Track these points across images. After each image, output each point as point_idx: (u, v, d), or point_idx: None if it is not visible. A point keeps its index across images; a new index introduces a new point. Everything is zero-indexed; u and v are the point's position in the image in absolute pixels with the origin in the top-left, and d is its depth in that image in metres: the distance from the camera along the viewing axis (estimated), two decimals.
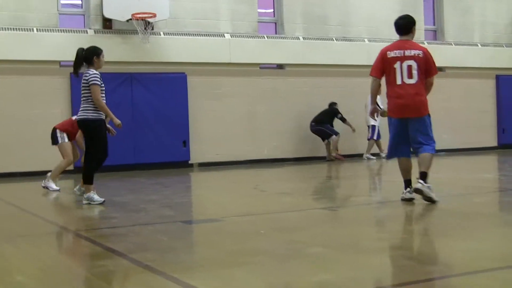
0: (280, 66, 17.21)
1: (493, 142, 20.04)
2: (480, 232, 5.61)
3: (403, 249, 4.89)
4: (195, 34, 16.15)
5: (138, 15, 14.98)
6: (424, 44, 18.74)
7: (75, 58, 8.46)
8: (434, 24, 19.67)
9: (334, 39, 17.60)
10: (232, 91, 16.56)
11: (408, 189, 7.35)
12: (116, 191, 10.71)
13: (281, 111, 16.81)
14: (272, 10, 17.56)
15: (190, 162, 16.09)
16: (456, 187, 9.70)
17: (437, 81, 19.50)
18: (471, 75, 19.57)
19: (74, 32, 15.03)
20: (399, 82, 7.13)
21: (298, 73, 17.08)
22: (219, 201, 8.90)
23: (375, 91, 7.50)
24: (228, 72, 16.46)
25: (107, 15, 15.06)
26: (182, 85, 15.89)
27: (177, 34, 15.99)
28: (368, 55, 17.84)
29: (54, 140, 10.69)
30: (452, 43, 19.35)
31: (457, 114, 19.26)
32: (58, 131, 10.64)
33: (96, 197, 8.39)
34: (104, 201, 8.37)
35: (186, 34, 16.09)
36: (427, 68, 7.21)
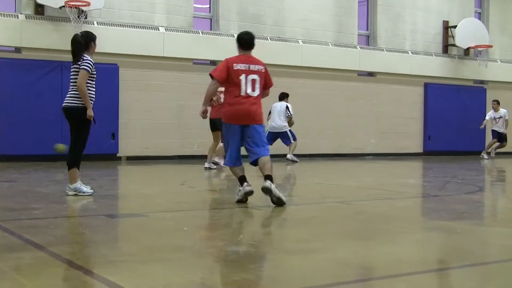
0: (213, 63, 17.16)
1: (419, 149, 20.51)
2: (401, 237, 5.72)
3: (319, 252, 4.94)
4: (129, 26, 15.98)
5: (72, 3, 14.73)
6: (356, 48, 19.05)
7: (75, 45, 8.13)
8: (367, 30, 19.97)
9: (268, 38, 17.69)
10: (164, 85, 16.45)
11: (246, 183, 7.59)
12: (39, 181, 10.50)
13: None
14: (208, 6, 17.53)
15: (118, 155, 15.92)
16: (379, 191, 9.88)
17: (368, 85, 19.94)
18: (401, 82, 19.97)
19: (3, 15, 14.64)
20: (243, 93, 7.55)
21: None
22: (145, 196, 8.82)
23: (213, 94, 8.00)
24: (160, 66, 16.34)
25: (40, 0, 14.74)
26: (113, 77, 15.70)
27: (111, 24, 15.78)
28: (302, 56, 18.06)
29: None
30: (384, 49, 19.70)
31: (386, 119, 19.62)
32: None
33: (84, 188, 8.22)
34: (93, 192, 8.22)
35: (120, 25, 15.90)
36: (266, 81, 7.79)
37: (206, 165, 13.38)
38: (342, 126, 18.74)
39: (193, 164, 15.13)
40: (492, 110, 19.84)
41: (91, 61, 8.11)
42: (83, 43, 8.16)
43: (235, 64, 7.57)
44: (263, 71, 7.70)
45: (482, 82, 21.95)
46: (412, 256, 4.81)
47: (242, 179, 7.63)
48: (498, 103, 19.81)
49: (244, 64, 7.59)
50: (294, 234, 5.72)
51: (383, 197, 8.99)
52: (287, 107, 16.12)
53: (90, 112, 8.21)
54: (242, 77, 7.54)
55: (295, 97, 17.84)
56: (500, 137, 19.79)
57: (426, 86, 20.53)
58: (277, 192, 7.22)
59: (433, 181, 12.27)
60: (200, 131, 16.63)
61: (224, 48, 17.01)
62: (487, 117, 19.88)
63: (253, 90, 7.59)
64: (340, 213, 7.24)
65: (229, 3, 17.33)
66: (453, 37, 20.77)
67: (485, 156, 19.61)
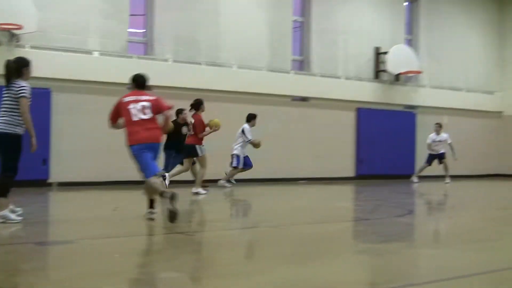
0: (147, 88, 17.08)
1: (352, 172, 20.78)
2: (333, 259, 5.80)
3: (253, 275, 4.97)
4: (63, 50, 15.79)
5: (3, 25, 14.48)
6: (290, 73, 19.26)
7: (6, 70, 8.06)
8: (301, 55, 20.23)
9: (203, 63, 17.73)
10: (98, 109, 16.23)
11: (152, 209, 8.60)
12: None
13: None
14: (143, 31, 17.48)
15: (49, 181, 15.63)
16: (312, 214, 9.98)
17: (302, 110, 20.11)
18: (334, 106, 20.25)
19: None
20: (135, 119, 8.57)
21: (165, 95, 16.99)
22: (76, 222, 8.70)
23: (119, 128, 9.03)
24: (94, 90, 16.17)
25: None
26: (45, 101, 15.45)
27: (44, 48, 15.56)
28: (236, 81, 18.15)
29: None
30: (318, 74, 19.97)
31: (319, 143, 19.83)
32: None
33: (12, 215, 8.01)
34: (22, 219, 8.06)
35: (53, 49, 15.69)
36: (159, 106, 8.72)
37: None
38: (276, 151, 18.85)
39: (126, 189, 14.98)
40: (434, 133, 20.32)
41: (27, 87, 7.98)
42: (15, 68, 8.06)
43: (125, 98, 8.75)
44: (152, 99, 8.72)
45: (412, 107, 22.44)
46: (344, 278, 4.88)
47: (151, 202, 8.68)
48: (440, 126, 20.27)
49: (134, 96, 8.73)
50: (227, 258, 5.74)
51: (316, 221, 9.09)
52: (242, 130, 16.07)
53: (34, 142, 8.12)
54: (132, 105, 8.60)
55: (230, 122, 17.87)
56: (438, 158, 20.23)
57: (358, 110, 20.88)
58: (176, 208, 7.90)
59: (364, 205, 12.48)
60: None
61: (159, 73, 16.96)
62: (428, 140, 20.35)
63: (144, 114, 8.58)
64: (273, 237, 7.29)
65: (164, 28, 17.30)
66: (384, 63, 21.22)
67: (415, 180, 20.02)
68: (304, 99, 19.84)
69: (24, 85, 8.00)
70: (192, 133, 13.68)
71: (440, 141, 20.06)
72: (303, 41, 20.22)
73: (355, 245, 7.09)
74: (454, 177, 22.34)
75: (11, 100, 7.98)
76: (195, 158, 13.85)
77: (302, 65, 20.23)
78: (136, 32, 17.41)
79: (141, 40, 17.43)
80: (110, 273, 4.94)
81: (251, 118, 16.14)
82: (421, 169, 20.39)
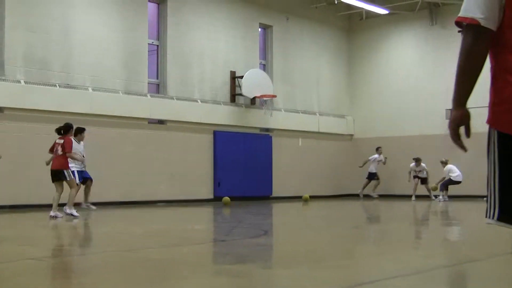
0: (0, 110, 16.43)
1: (210, 194, 20.91)
2: (187, 282, 5.79)
3: None
4: None
5: None
6: (147, 96, 19.16)
7: None
8: (157, 78, 20.20)
9: (57, 85, 17.29)
10: None
11: None
12: None
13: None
14: None
15: None
16: (167, 237, 9.95)
17: (158, 133, 20.05)
18: (191, 129, 20.35)
19: None
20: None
21: (17, 117, 16.45)
22: None
23: None
24: None
25: None
26: None
27: None
28: (91, 103, 17.85)
29: None
30: (174, 97, 20.01)
31: (176, 166, 19.84)
32: None
33: None
34: None
35: None
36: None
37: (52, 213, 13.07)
38: (132, 173, 18.67)
39: None
40: (377, 155, 23.86)
41: None
42: None
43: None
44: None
45: (267, 129, 22.95)
46: None
47: None
48: (377, 148, 24.08)
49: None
50: (76, 285, 5.60)
51: (171, 243, 9.06)
52: None
53: None
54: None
55: (86, 145, 17.52)
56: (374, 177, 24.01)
57: (215, 133, 21.10)
58: None
59: (221, 226, 12.58)
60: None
61: (12, 95, 16.38)
62: (370, 158, 23.94)
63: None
64: (124, 261, 7.19)
65: (15, 48, 16.74)
66: (240, 86, 21.59)
67: (373, 194, 23.87)
68: (161, 121, 19.80)
69: None
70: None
71: (377, 160, 24.03)
72: (159, 64, 20.22)
73: (210, 267, 7.12)
74: (311, 198, 23.03)
75: None
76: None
77: (158, 88, 20.20)
78: None
79: None
80: None
81: (77, 132, 15.18)
82: (365, 185, 24.30)
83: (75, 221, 13.39)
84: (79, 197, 14.80)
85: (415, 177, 22.73)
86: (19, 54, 16.81)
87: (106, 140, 18.11)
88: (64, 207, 13.45)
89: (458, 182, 21.80)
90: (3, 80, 16.43)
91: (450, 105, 3.02)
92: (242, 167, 21.63)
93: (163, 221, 13.84)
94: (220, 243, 9.42)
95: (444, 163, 21.99)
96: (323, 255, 7.82)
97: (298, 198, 22.64)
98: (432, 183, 22.63)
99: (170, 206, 18.33)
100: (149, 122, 19.52)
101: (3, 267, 6.83)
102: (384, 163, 23.94)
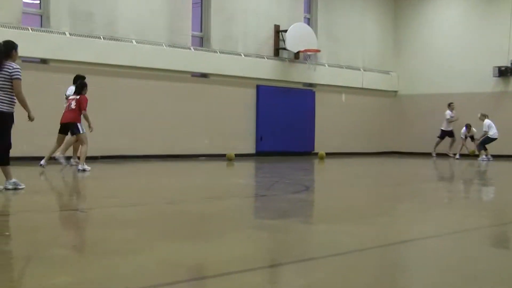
0: (43, 61, 16.61)
1: (252, 149, 20.94)
2: (228, 236, 5.83)
3: (145, 252, 4.94)
4: None
5: None
6: (190, 49, 19.13)
7: None
8: (201, 31, 20.14)
9: (101, 37, 17.36)
10: None
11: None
12: None
13: (43, 107, 16.02)
14: (38, 2, 16.92)
15: None
16: (208, 191, 10.01)
17: (201, 86, 20.05)
18: (233, 83, 20.30)
19: None
20: None
21: (62, 69, 16.59)
22: None
23: None
24: None
25: None
26: None
27: None
28: (134, 56, 17.90)
29: None
30: (217, 51, 19.94)
31: (219, 120, 19.86)
32: None
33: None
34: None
35: None
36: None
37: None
38: (175, 127, 18.76)
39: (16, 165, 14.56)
40: (449, 111, 23.04)
41: (20, 69, 8.63)
42: (4, 51, 8.62)
43: None
44: None
45: (311, 85, 22.79)
46: (240, 254, 4.90)
47: None
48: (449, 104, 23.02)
49: None
50: (119, 235, 5.67)
51: (212, 197, 9.12)
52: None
53: (32, 116, 9.00)
54: None
55: (128, 97, 17.66)
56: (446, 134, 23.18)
57: (258, 88, 21.01)
58: None
59: (262, 181, 12.60)
60: (36, 131, 16.01)
61: (55, 46, 16.52)
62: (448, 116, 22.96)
63: None
64: (167, 213, 7.26)
65: (60, 0, 16.80)
66: (283, 41, 21.41)
67: (449, 153, 22.80)
68: (203, 75, 19.80)
69: (17, 67, 8.62)
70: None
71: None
72: (203, 17, 20.12)
73: (251, 221, 7.15)
74: (353, 154, 22.92)
75: (4, 81, 8.56)
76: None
77: (202, 41, 20.15)
78: (31, 3, 16.85)
79: (37, 11, 16.89)
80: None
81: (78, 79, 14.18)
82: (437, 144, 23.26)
83: (113, 172, 13.54)
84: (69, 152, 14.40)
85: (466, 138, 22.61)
86: (64, 6, 16.87)
87: (148, 93, 18.19)
88: (76, 163, 13.58)
89: (495, 139, 21.53)
90: (49, 32, 16.54)
91: (497, 63, 2.92)
92: (285, 122, 21.56)
93: (205, 175, 13.93)
94: (260, 198, 9.45)
95: (484, 116, 21.67)
96: (363, 212, 7.80)
97: (340, 154, 22.56)
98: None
99: (212, 160, 18.42)
100: (192, 76, 19.52)
101: (44, 216, 6.96)
102: (455, 120, 22.99)
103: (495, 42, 23.03)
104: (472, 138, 22.57)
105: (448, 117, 22.92)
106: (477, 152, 22.10)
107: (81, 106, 13.15)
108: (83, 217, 7.01)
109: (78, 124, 13.26)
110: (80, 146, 13.52)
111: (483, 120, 21.73)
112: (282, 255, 5.04)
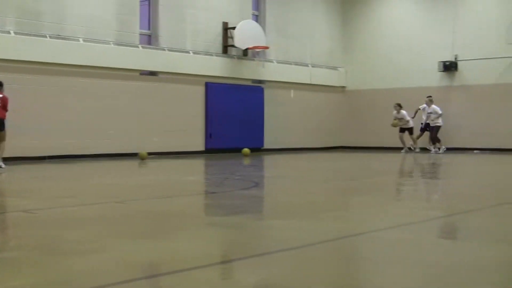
0: None
1: (201, 146, 20.93)
2: (182, 233, 5.84)
3: (100, 252, 4.93)
4: None
5: None
6: (139, 47, 19.01)
7: None
8: (149, 29, 20.03)
9: (47, 36, 17.13)
10: None
11: None
12: None
13: None
14: None
15: None
16: (159, 189, 9.99)
17: (150, 85, 19.97)
18: (183, 81, 20.26)
19: None
20: None
21: (8, 69, 16.31)
22: None
23: None
24: None
25: None
26: None
27: None
28: (83, 54, 17.71)
29: None
30: (166, 48, 19.86)
31: (168, 118, 19.80)
32: None
33: None
34: None
35: None
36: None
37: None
38: (124, 126, 18.64)
39: None
40: (425, 105, 22.57)
41: None
42: None
43: None
44: None
45: (260, 81, 22.87)
46: (194, 252, 4.92)
47: None
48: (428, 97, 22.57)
49: None
50: (73, 236, 5.64)
51: (163, 195, 9.11)
52: None
53: None
54: None
55: (76, 97, 17.48)
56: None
57: (207, 85, 21.00)
58: None
59: (212, 178, 12.63)
60: None
61: (1, 46, 16.21)
62: (421, 107, 22.68)
63: None
64: (120, 212, 7.24)
65: None
66: (232, 38, 21.44)
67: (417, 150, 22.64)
68: (152, 73, 19.70)
69: None
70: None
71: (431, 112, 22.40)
72: (151, 14, 20.02)
73: (203, 218, 7.18)
74: (303, 150, 23.11)
75: None
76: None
77: (150, 39, 20.04)
78: None
79: None
80: None
81: None
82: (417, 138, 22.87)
83: (61, 173, 13.38)
84: None
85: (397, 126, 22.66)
86: (10, 5, 16.58)
87: (96, 92, 18.02)
88: None
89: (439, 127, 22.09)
90: None
91: (442, 58, 3.01)
92: (234, 119, 21.61)
93: (155, 173, 13.88)
94: (211, 195, 9.48)
95: (430, 99, 22.37)
96: (315, 207, 7.88)
97: (289, 150, 22.72)
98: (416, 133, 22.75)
99: (162, 158, 18.35)
100: (140, 74, 19.41)
101: None
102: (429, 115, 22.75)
103: (440, 38, 23.48)
104: (409, 131, 22.75)
105: (422, 109, 22.77)
106: (435, 145, 22.35)
107: (7, 106, 13.90)
108: (33, 218, 6.93)
109: (5, 122, 13.95)
110: (1, 142, 14.03)
111: (430, 105, 22.17)
112: (236, 251, 5.09)
